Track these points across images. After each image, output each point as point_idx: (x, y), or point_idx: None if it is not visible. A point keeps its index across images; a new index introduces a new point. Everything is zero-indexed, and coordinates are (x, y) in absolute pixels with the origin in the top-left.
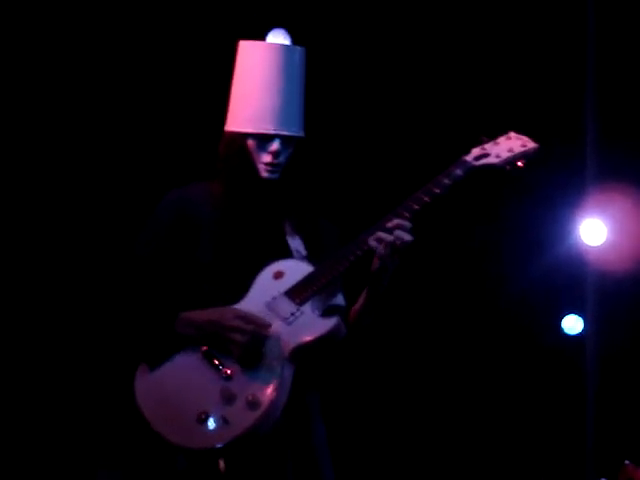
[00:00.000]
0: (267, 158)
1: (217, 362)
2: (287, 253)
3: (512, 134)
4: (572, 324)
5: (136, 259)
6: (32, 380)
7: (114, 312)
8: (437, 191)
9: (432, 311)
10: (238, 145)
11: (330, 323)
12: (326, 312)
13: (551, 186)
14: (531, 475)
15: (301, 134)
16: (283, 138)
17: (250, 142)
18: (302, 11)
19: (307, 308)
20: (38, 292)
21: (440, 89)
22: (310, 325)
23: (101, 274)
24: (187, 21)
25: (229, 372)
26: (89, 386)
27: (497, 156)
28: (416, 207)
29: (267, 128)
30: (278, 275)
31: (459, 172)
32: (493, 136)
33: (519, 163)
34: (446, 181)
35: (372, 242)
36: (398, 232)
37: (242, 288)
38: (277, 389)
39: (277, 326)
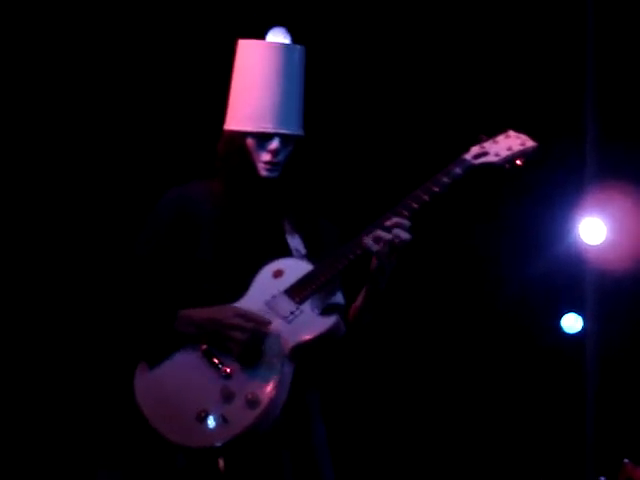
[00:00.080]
0: (266, 157)
1: (217, 361)
2: (286, 252)
3: (511, 132)
4: (571, 323)
5: (136, 258)
6: (32, 379)
7: (114, 311)
8: (436, 190)
9: (431, 310)
10: (237, 144)
11: (329, 321)
12: (325, 310)
13: (550, 185)
14: (531, 474)
15: (300, 133)
16: (282, 137)
17: (249, 141)
18: (301, 10)
19: (307, 307)
20: (38, 291)
21: (439, 87)
22: (310, 323)
23: (101, 273)
24: (186, 20)
25: (228, 371)
26: (89, 385)
27: (496, 154)
28: (415, 206)
29: (266, 127)
30: (278, 274)
31: (458, 170)
32: (492, 135)
33: (518, 162)
34: (445, 180)
35: (371, 241)
36: (397, 231)
37: (242, 287)
38: (277, 388)
39: (277, 325)
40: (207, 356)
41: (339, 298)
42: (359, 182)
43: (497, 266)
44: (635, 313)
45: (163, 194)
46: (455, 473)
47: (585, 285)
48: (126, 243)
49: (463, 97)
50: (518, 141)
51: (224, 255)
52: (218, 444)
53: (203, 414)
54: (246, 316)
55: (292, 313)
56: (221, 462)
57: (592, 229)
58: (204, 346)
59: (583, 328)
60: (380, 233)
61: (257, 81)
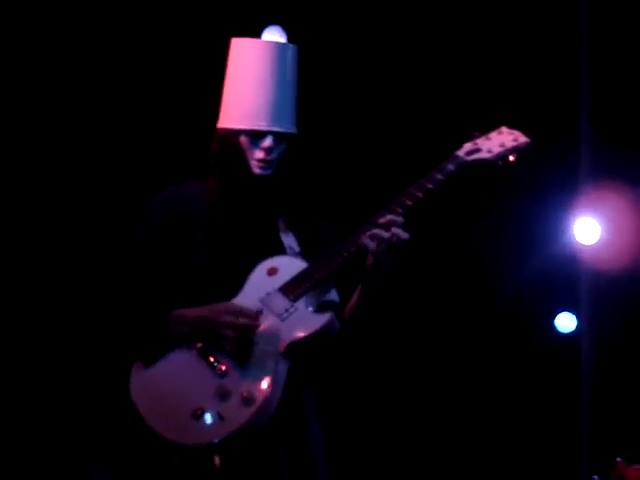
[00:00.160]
0: (260, 154)
1: (212, 359)
2: (281, 250)
3: (504, 129)
4: (565, 322)
5: (130, 258)
6: (27, 378)
7: (109, 310)
8: (430, 186)
9: (426, 309)
10: (230, 142)
11: (324, 319)
12: (320, 308)
13: (545, 185)
14: (526, 473)
15: (294, 131)
16: (276, 135)
17: (243, 139)
18: (294, 8)
19: (301, 304)
20: (33, 291)
21: (434, 87)
22: (304, 321)
23: (96, 273)
24: (180, 19)
25: (224, 368)
26: (84, 383)
27: (489, 151)
28: (409, 203)
29: (260, 125)
30: (272, 271)
31: (451, 167)
32: (485, 131)
33: (511, 158)
34: (438, 176)
35: (366, 239)
36: (395, 229)
37: (236, 285)
38: (272, 385)
39: (271, 322)
40: (202, 354)
41: (334, 296)
42: (352, 180)
43: (492, 265)
44: (629, 312)
45: (157, 193)
46: (450, 472)
47: (580, 285)
48: (121, 243)
49: (457, 96)
50: (511, 137)
51: (218, 254)
52: (214, 442)
53: (199, 412)
54: (237, 312)
55: (286, 311)
56: (217, 460)
57: (586, 229)
58: (199, 345)
59: (577, 327)
60: (377, 231)
61: (250, 79)
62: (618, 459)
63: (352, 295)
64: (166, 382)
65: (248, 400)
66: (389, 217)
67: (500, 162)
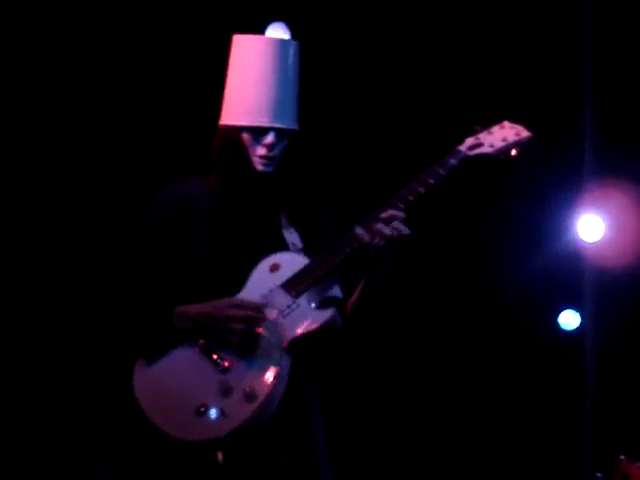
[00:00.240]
0: (262, 151)
1: (214, 355)
2: (283, 246)
3: (506, 123)
4: (569, 320)
5: (133, 255)
6: (30, 376)
7: (111, 308)
8: (431, 182)
9: (429, 306)
10: (233, 138)
11: (326, 315)
12: (322, 304)
13: (549, 182)
14: (530, 470)
15: (295, 127)
16: (278, 131)
17: (245, 135)
18: (298, 5)
19: (303, 300)
20: (36, 288)
21: (438, 85)
22: (306, 317)
23: (99, 270)
24: (183, 15)
25: (226, 365)
26: (86, 381)
27: (491, 145)
28: (410, 198)
29: (262, 121)
30: (274, 268)
31: (453, 162)
32: (488, 125)
33: (513, 152)
34: (440, 171)
35: (368, 234)
36: (396, 224)
37: (239, 282)
38: (274, 381)
39: (273, 319)
40: (205, 351)
41: (336, 291)
42: (355, 176)
43: (496, 263)
44: (633, 310)
45: (160, 191)
46: (453, 469)
47: (583, 282)
48: (124, 240)
49: (461, 95)
50: (513, 131)
51: (221, 251)
52: (217, 438)
53: (202, 408)
54: (241, 305)
55: (289, 307)
56: (220, 456)
57: (590, 226)
58: (202, 341)
59: (581, 325)
60: (378, 226)
61: (252, 76)
62: (622, 457)
63: (354, 291)
64: (169, 379)
65: (250, 396)
66: (391, 212)
67: (502, 156)
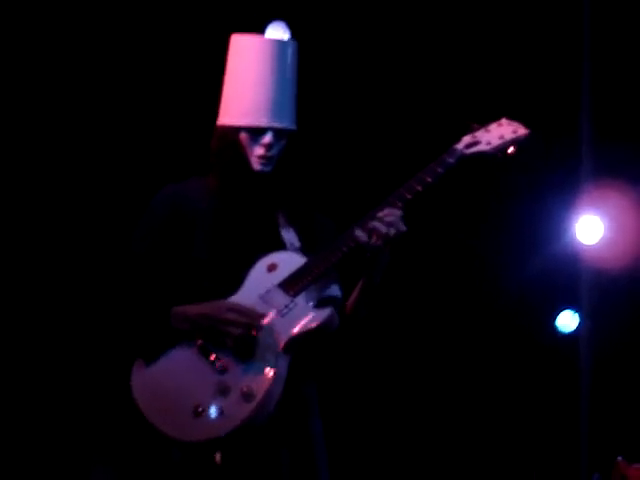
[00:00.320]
0: (260, 151)
1: (212, 355)
2: (281, 245)
3: (503, 120)
4: (567, 321)
5: (133, 255)
6: (28, 376)
7: (110, 308)
8: (429, 180)
9: (428, 307)
10: (231, 138)
11: (323, 314)
12: (320, 303)
13: (547, 183)
14: (526, 471)
15: (293, 127)
16: (275, 131)
17: (243, 135)
18: (297, 5)
19: (301, 300)
20: (35, 288)
21: (436, 87)
22: (303, 316)
23: (98, 270)
24: (181, 15)
25: (224, 365)
26: (84, 381)
27: (488, 143)
28: (408, 196)
29: (260, 121)
30: (272, 268)
31: (451, 160)
32: (485, 124)
33: (510, 149)
34: (438, 170)
35: (365, 233)
36: (391, 220)
37: (237, 282)
38: (272, 380)
39: (271, 318)
40: (203, 351)
41: (335, 291)
42: (353, 175)
43: (494, 264)
44: (631, 311)
45: (158, 191)
46: (450, 470)
47: (581, 283)
48: (122, 240)
49: (459, 97)
50: (510, 129)
51: (219, 251)
52: (215, 438)
53: (199, 409)
54: (240, 310)
55: (286, 306)
56: (218, 456)
57: (588, 228)
58: (199, 341)
59: (579, 326)
60: (374, 224)
61: (250, 76)
62: (619, 458)
63: (353, 291)
64: (167, 379)
65: (248, 396)
66: (388, 210)
67: (499, 154)
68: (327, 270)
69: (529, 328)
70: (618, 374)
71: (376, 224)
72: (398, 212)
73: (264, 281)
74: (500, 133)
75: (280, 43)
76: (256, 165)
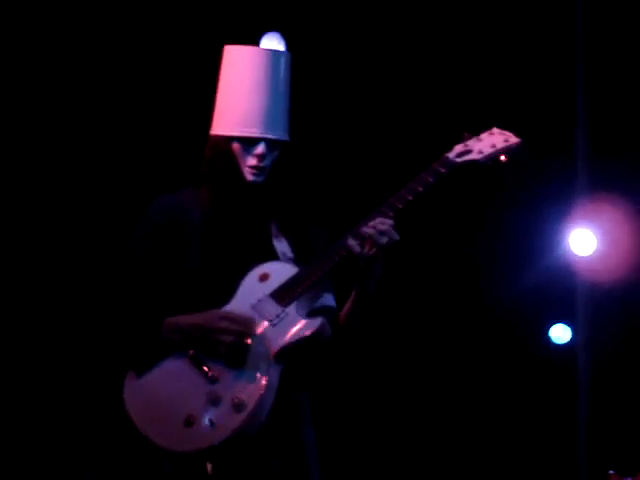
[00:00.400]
0: (252, 161)
1: (203, 365)
2: (273, 256)
3: (495, 130)
4: (560, 333)
5: (134, 255)
6: (22, 383)
7: (105, 317)
8: (420, 189)
9: (421, 320)
10: (223, 149)
11: (314, 324)
12: (313, 313)
13: (541, 196)
14: None
15: (286, 138)
16: (268, 141)
17: (235, 145)
18: (291, 16)
19: (292, 309)
20: (32, 295)
21: (431, 102)
22: (294, 326)
23: (96, 275)
24: (176, 25)
25: (215, 375)
26: (77, 389)
27: (479, 152)
28: (399, 206)
29: (252, 131)
30: (263, 277)
31: (442, 170)
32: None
33: (502, 158)
34: (429, 179)
35: (356, 242)
36: (383, 229)
37: (228, 292)
38: (263, 390)
39: (262, 328)
40: (194, 361)
41: (329, 301)
42: (345, 186)
43: (488, 276)
44: (625, 324)
45: (154, 199)
46: None
47: (575, 296)
48: (118, 245)
49: (454, 111)
50: (502, 137)
51: (211, 262)
52: (206, 448)
53: (191, 419)
54: (231, 318)
55: (277, 316)
56: (209, 466)
57: (582, 240)
58: (191, 352)
59: (572, 339)
60: (367, 233)
61: (243, 86)
62: (611, 472)
63: (346, 301)
64: (159, 390)
65: (239, 406)
66: (380, 219)
67: (491, 163)
68: (319, 280)
69: (522, 340)
70: (612, 386)
71: (369, 233)
72: (390, 221)
73: (256, 291)
74: (492, 142)
75: (273, 53)
76: (248, 175)
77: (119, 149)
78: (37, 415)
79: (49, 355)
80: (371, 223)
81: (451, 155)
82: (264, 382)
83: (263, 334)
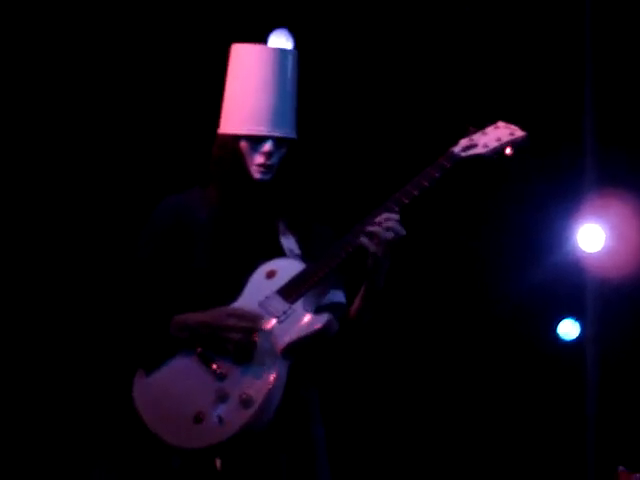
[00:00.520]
0: (260, 159)
1: (211, 363)
2: (280, 253)
3: (500, 123)
4: (568, 329)
5: (138, 260)
6: (30, 381)
7: (113, 317)
8: (425, 184)
9: (429, 316)
10: (231, 147)
11: (321, 320)
12: (321, 309)
13: (549, 192)
14: None
15: (293, 136)
16: (276, 139)
17: (243, 144)
18: (298, 14)
19: (299, 306)
20: (38, 296)
21: (437, 99)
22: (301, 323)
23: (100, 279)
24: (183, 24)
25: (223, 372)
26: (85, 387)
27: (485, 146)
28: (405, 200)
29: (260, 129)
30: (271, 274)
31: (447, 164)
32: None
33: (507, 151)
34: (434, 174)
35: (363, 237)
36: (390, 224)
37: (236, 289)
38: (270, 386)
39: (269, 324)
40: (202, 359)
41: (338, 297)
42: (352, 183)
43: (496, 272)
44: (634, 320)
45: (160, 201)
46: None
47: (584, 292)
48: (123, 249)
49: (461, 108)
50: (507, 131)
51: (219, 260)
52: (214, 445)
53: (200, 416)
54: (239, 315)
55: (284, 313)
56: (218, 462)
57: (591, 236)
58: (199, 349)
59: (580, 334)
60: (374, 229)
61: (251, 85)
62: (620, 468)
63: (356, 297)
64: (168, 388)
65: (247, 402)
66: (385, 215)
67: (496, 156)
68: (326, 276)
69: (531, 336)
70: (620, 382)
71: (375, 228)
72: (395, 216)
73: (263, 288)
74: (497, 135)
75: (280, 51)
76: (256, 173)
77: (127, 149)
78: (48, 413)
79: (61, 355)
80: (377, 219)
81: (456, 149)
82: (272, 378)
83: (270, 331)
